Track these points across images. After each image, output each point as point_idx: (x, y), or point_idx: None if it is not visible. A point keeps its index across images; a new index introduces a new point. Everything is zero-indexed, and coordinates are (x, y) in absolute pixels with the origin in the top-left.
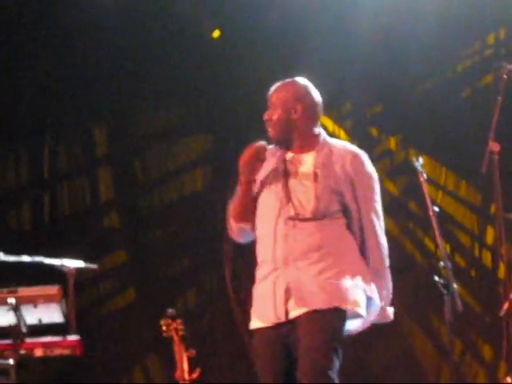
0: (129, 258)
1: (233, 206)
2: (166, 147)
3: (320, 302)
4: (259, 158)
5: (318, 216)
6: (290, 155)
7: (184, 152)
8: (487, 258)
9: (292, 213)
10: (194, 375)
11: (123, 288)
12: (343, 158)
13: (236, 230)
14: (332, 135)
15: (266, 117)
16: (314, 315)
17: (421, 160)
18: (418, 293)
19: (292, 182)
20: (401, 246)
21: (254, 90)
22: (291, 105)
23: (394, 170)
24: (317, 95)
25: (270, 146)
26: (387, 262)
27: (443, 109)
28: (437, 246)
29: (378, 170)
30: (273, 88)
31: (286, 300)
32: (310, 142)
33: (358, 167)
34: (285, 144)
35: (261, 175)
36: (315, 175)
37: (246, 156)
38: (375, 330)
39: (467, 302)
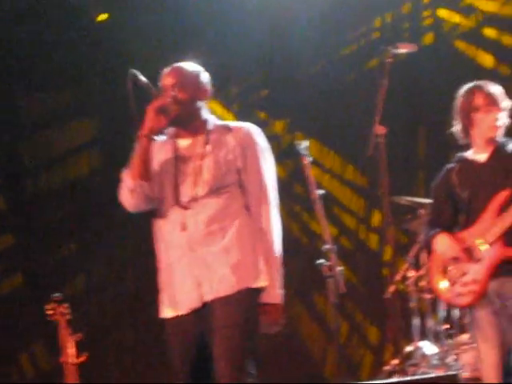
0: (16, 241)
1: (131, 166)
2: (53, 131)
3: (230, 287)
4: (165, 111)
5: (213, 191)
6: (181, 141)
7: (70, 136)
8: (373, 240)
9: (189, 194)
10: (81, 359)
11: (10, 272)
12: (235, 134)
13: (136, 189)
14: (220, 119)
15: (159, 101)
16: (226, 300)
17: (305, 143)
18: (303, 276)
19: (185, 166)
20: (287, 230)
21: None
22: (185, 88)
23: (281, 154)
24: (207, 78)
25: (161, 138)
26: (278, 237)
27: (329, 92)
28: (322, 229)
29: None
30: (166, 71)
31: (198, 285)
32: (201, 125)
33: (248, 140)
34: (178, 125)
35: (154, 163)
36: (205, 152)
37: (151, 108)
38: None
39: (353, 285)
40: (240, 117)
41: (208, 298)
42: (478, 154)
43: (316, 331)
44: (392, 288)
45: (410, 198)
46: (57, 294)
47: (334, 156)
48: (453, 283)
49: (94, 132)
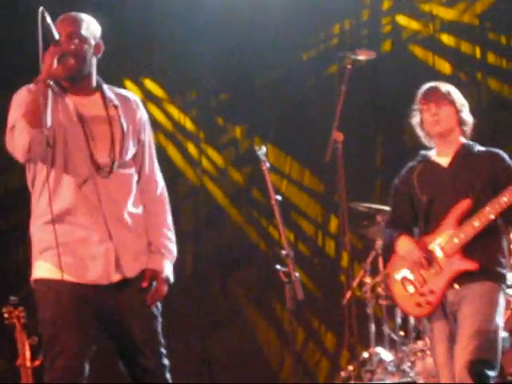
0: None
1: (28, 112)
2: None
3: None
4: (63, 59)
5: (123, 162)
6: (74, 97)
7: None
8: (330, 246)
9: (104, 161)
10: (37, 362)
11: None
12: (134, 103)
13: (37, 137)
14: (178, 124)
15: (60, 47)
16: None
17: (264, 149)
18: (261, 281)
19: (92, 128)
20: (245, 235)
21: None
22: (85, 40)
23: (239, 159)
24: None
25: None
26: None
27: (288, 98)
28: (280, 234)
29: (224, 159)
30: (65, 18)
31: (114, 263)
32: (92, 83)
33: (144, 111)
34: (72, 79)
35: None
36: (112, 117)
37: (50, 52)
38: (218, 319)
39: (310, 291)
40: (198, 121)
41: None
42: (441, 157)
43: (273, 336)
44: (349, 294)
45: (367, 205)
46: (12, 298)
47: (292, 162)
48: (412, 293)
49: None
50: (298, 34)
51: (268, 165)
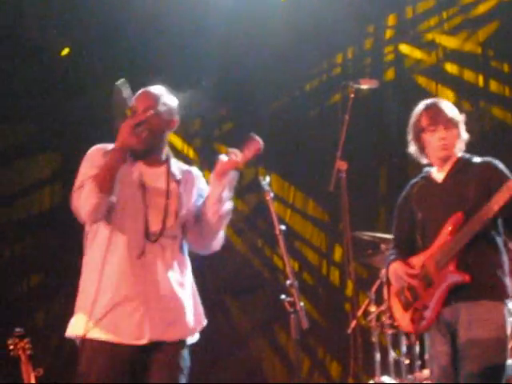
0: None
1: (100, 178)
2: (15, 164)
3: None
4: (138, 131)
5: (172, 232)
6: (143, 166)
7: (33, 170)
8: (335, 275)
9: (156, 229)
10: None
11: None
12: (195, 178)
13: (102, 202)
14: (181, 153)
15: (136, 118)
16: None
17: (268, 179)
18: (266, 310)
19: (151, 198)
20: (250, 265)
21: (102, 109)
22: (160, 115)
23: (244, 189)
24: (177, 110)
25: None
26: None
27: (292, 127)
28: (284, 263)
29: None
30: (143, 93)
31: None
32: (161, 156)
33: (203, 184)
34: (143, 151)
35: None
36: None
37: (127, 124)
38: (223, 348)
39: (315, 320)
40: (201, 151)
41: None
42: (438, 173)
43: (278, 366)
44: (354, 323)
45: (371, 233)
46: (18, 329)
47: (296, 191)
48: (406, 309)
49: (56, 166)
50: (301, 64)
51: (272, 195)
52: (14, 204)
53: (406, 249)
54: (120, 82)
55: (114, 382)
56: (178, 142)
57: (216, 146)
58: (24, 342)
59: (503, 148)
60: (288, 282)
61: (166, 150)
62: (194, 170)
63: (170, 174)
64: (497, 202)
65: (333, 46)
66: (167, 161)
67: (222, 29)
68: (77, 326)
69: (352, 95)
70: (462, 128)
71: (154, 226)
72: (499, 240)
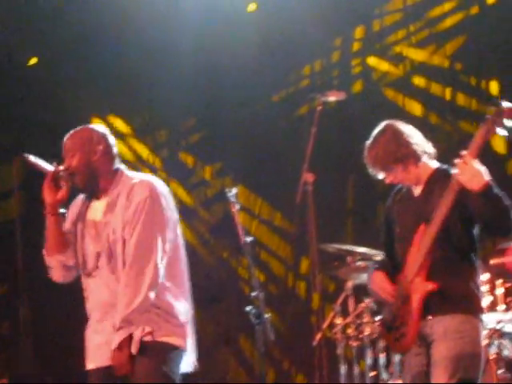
0: None
1: (46, 243)
2: None
3: None
4: (57, 184)
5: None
6: (95, 201)
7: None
8: (301, 287)
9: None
10: None
11: None
12: (128, 192)
13: (57, 265)
14: (146, 163)
15: (65, 166)
16: None
17: (234, 190)
18: (231, 321)
19: (86, 231)
20: (215, 276)
21: (71, 116)
22: (89, 147)
23: (210, 200)
24: (111, 137)
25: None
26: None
27: (259, 139)
28: (250, 275)
29: (193, 200)
30: (67, 136)
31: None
32: (108, 183)
33: (133, 196)
34: (92, 188)
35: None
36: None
37: (45, 185)
38: None
39: (281, 332)
40: (167, 162)
41: None
42: (417, 186)
43: (243, 377)
44: (319, 335)
45: (337, 246)
46: None
47: (263, 202)
48: (388, 330)
49: (24, 175)
50: (268, 76)
51: (238, 206)
52: None
53: (393, 258)
54: (22, 156)
55: None
56: (144, 152)
57: (182, 157)
58: None
59: None
60: (253, 294)
61: (119, 175)
62: (137, 185)
63: (108, 205)
64: (444, 204)
65: (300, 58)
66: (113, 186)
67: (191, 40)
68: None
69: (319, 107)
70: (416, 143)
71: (90, 259)
72: (473, 254)
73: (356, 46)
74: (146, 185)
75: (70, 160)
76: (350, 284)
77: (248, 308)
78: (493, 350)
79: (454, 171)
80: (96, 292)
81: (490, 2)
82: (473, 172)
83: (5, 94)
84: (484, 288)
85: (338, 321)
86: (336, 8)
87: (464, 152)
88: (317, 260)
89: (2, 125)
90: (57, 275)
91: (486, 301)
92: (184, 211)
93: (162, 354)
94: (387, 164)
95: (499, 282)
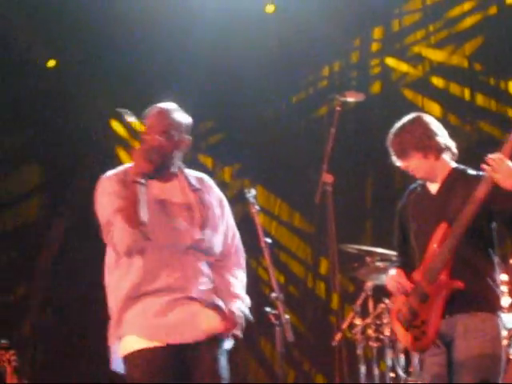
0: None
1: (129, 214)
2: (1, 176)
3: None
4: (151, 157)
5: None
6: (158, 184)
7: (18, 181)
8: (321, 288)
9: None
10: None
11: None
12: (209, 185)
13: (138, 237)
14: None
15: (146, 146)
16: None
17: (253, 191)
18: (251, 323)
19: (170, 212)
20: None
21: (87, 119)
22: (172, 137)
23: (229, 201)
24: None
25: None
26: None
27: (278, 140)
28: (269, 276)
29: None
30: (156, 111)
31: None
32: (174, 171)
33: (218, 191)
34: (160, 171)
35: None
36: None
37: (138, 154)
38: None
39: (301, 333)
40: (186, 163)
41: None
42: (432, 183)
43: (263, 378)
44: (339, 336)
45: (357, 246)
46: (3, 341)
47: (282, 203)
48: (407, 327)
49: (42, 178)
50: (288, 77)
51: (257, 207)
52: (2, 215)
53: (408, 258)
54: (120, 110)
55: None
56: None
57: (201, 158)
58: (9, 354)
59: None
60: (273, 295)
61: (178, 163)
62: (205, 177)
63: (188, 184)
64: (473, 202)
65: (319, 59)
66: (181, 172)
67: (209, 42)
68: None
69: (338, 108)
70: (441, 138)
71: (183, 239)
72: (491, 251)
73: (375, 47)
74: None
75: (161, 140)
76: (369, 285)
77: (268, 309)
78: None
79: (486, 169)
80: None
81: (509, 2)
82: (508, 171)
83: (21, 95)
84: (504, 288)
85: (358, 321)
86: (354, 8)
87: (498, 152)
88: (336, 261)
89: (17, 127)
90: (133, 251)
91: (505, 301)
92: None
93: None
94: (408, 149)
95: None
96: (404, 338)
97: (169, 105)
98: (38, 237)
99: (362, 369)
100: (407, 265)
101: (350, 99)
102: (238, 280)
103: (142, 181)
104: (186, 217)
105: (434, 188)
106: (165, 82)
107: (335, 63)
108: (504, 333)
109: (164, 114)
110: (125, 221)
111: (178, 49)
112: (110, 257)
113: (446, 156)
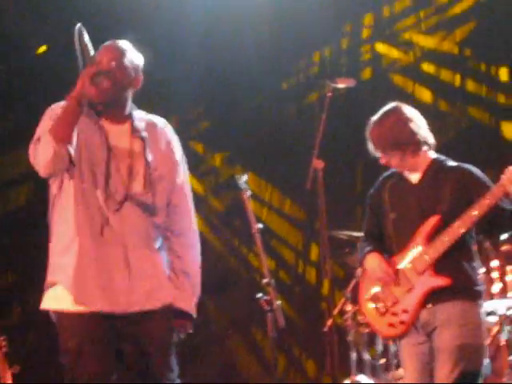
0: None
1: (55, 128)
2: None
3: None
4: (97, 82)
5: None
6: (107, 124)
7: (9, 167)
8: (311, 274)
9: (121, 193)
10: None
11: None
12: (159, 131)
13: (61, 152)
14: None
15: (95, 68)
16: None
17: (245, 177)
18: (241, 309)
19: (116, 159)
20: (225, 262)
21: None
22: (124, 69)
23: (220, 187)
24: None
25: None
26: None
27: (269, 126)
28: (260, 262)
29: (203, 187)
30: (109, 45)
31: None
32: (125, 113)
33: (171, 138)
34: (103, 105)
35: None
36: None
37: (86, 73)
38: (198, 345)
39: (291, 318)
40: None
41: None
42: (412, 173)
43: (254, 364)
44: (329, 322)
45: (347, 232)
46: None
47: (273, 189)
48: (383, 312)
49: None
50: (278, 63)
51: (249, 193)
52: None
53: (381, 243)
54: (78, 26)
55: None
56: None
57: (192, 145)
58: (0, 340)
59: (480, 148)
60: (264, 281)
61: (130, 105)
62: (160, 121)
63: (133, 131)
64: (480, 207)
65: (310, 45)
66: (131, 115)
67: (200, 28)
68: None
69: (329, 94)
70: (420, 130)
71: (117, 191)
72: (471, 242)
73: (365, 33)
74: None
75: (113, 67)
76: (360, 271)
77: (259, 295)
78: (504, 336)
79: (503, 178)
80: None
81: None
82: None
83: (12, 82)
84: (494, 274)
85: (349, 307)
86: None
87: None
88: (327, 246)
89: (7, 113)
90: (52, 165)
91: (496, 287)
92: (194, 199)
93: None
94: (386, 148)
95: (510, 268)
96: (378, 322)
97: (123, 42)
98: (27, 223)
99: (353, 355)
100: (381, 249)
101: (341, 85)
102: (184, 249)
103: (82, 101)
104: (125, 168)
105: (414, 178)
106: (156, 68)
107: (326, 49)
108: (495, 319)
109: (117, 46)
110: (52, 136)
111: (170, 35)
112: (50, 195)
113: (425, 147)
